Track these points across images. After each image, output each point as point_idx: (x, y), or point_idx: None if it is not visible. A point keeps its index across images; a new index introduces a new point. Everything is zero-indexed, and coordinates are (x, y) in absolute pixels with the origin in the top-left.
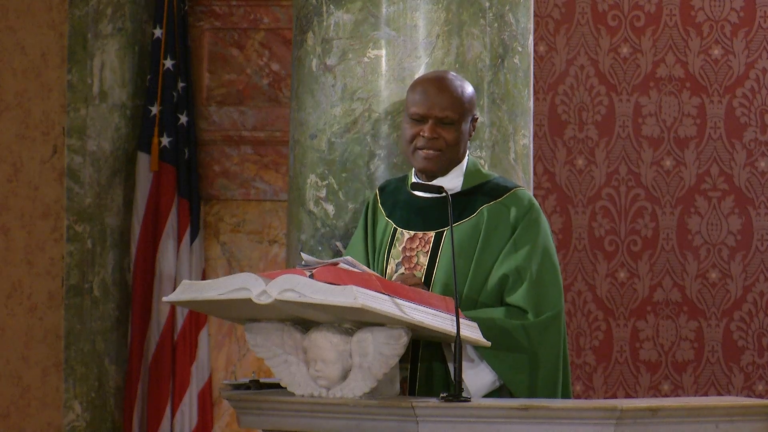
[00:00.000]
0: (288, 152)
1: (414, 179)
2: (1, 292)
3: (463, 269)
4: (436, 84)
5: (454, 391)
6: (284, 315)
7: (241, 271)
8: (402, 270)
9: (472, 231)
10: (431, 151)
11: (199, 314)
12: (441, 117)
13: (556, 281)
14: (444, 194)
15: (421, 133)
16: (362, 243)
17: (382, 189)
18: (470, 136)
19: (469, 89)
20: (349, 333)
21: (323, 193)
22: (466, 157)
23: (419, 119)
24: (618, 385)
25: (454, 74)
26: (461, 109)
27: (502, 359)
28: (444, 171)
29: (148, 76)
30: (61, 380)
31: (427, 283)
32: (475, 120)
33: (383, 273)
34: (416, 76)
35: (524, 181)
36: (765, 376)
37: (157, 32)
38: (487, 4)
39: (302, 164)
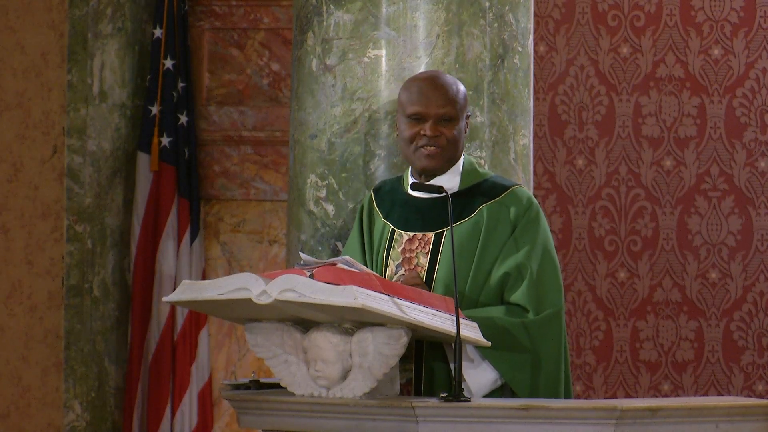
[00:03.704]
0: (288, 152)
1: (411, 180)
2: (1, 292)
3: (463, 269)
4: (432, 82)
5: (454, 391)
6: (284, 315)
7: (241, 271)
8: (402, 271)
9: (472, 231)
10: (434, 148)
11: (199, 314)
12: (441, 114)
13: (556, 279)
14: (443, 194)
15: (422, 132)
16: (359, 245)
17: (377, 190)
18: (465, 133)
19: (461, 87)
20: (349, 333)
21: (323, 193)
22: (462, 156)
23: (419, 118)
24: (618, 385)
25: (444, 73)
26: (458, 105)
27: (503, 358)
28: (444, 169)
29: (148, 76)
30: (61, 380)
31: (428, 284)
32: (468, 118)
33: (382, 275)
34: None
35: (524, 181)
36: (765, 376)
37: (157, 32)
38: (487, 4)
39: (302, 164)
